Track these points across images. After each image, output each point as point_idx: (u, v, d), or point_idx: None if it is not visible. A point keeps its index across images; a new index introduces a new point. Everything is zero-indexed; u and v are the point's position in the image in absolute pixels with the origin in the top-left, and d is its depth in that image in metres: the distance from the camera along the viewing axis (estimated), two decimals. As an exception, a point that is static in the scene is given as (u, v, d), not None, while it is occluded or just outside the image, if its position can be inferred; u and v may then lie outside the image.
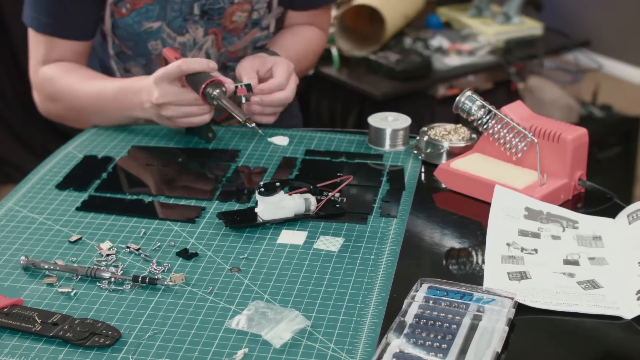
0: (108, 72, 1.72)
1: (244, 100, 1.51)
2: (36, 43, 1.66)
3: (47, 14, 1.61)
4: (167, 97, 1.48)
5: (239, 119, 1.44)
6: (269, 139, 1.57)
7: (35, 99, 1.70)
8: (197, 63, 1.47)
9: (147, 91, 1.51)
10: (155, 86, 1.49)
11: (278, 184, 1.30)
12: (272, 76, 1.54)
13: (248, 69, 1.55)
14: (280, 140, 1.57)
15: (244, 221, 1.30)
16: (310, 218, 1.31)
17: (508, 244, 1.24)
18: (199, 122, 1.52)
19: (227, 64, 1.70)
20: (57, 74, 1.63)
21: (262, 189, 1.29)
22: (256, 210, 1.31)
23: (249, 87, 1.50)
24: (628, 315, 1.09)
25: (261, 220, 1.29)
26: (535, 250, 1.23)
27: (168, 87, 1.48)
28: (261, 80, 1.54)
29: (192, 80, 1.47)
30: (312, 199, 1.32)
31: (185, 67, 1.47)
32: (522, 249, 1.23)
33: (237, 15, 1.64)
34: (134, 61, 1.68)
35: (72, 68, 1.64)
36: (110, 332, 1.06)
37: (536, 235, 1.26)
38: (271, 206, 1.29)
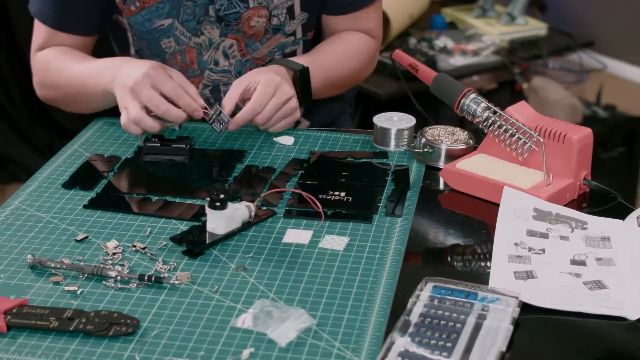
0: None
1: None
2: (39, 30, 1.67)
3: (52, 7, 1.62)
4: (153, 79, 1.44)
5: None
6: (275, 139, 1.58)
7: (34, 83, 1.71)
8: (185, 101, 1.45)
9: (134, 66, 1.48)
10: (151, 67, 1.46)
11: (222, 196, 1.23)
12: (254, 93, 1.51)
13: (233, 86, 1.52)
14: (286, 140, 1.57)
15: (199, 243, 1.25)
16: (250, 225, 1.29)
17: (516, 244, 1.24)
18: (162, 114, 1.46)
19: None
20: (51, 57, 1.65)
21: (217, 203, 1.23)
22: (208, 228, 1.26)
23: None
24: (633, 316, 1.10)
25: (217, 235, 1.25)
26: (543, 250, 1.23)
27: (162, 73, 1.45)
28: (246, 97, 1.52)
29: None
30: (251, 206, 1.30)
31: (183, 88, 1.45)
32: (530, 249, 1.23)
33: (254, 21, 1.62)
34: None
35: (65, 51, 1.64)
36: (129, 321, 1.07)
37: (544, 236, 1.26)
38: (223, 219, 1.25)
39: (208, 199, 1.24)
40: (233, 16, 1.62)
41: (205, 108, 1.47)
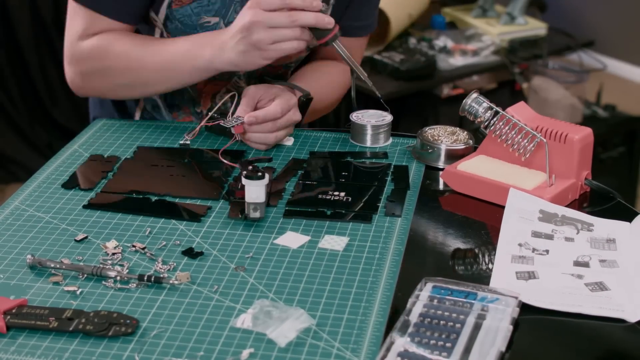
0: None
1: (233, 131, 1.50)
2: (75, 15, 1.57)
3: None
4: (259, 17, 1.41)
5: (361, 75, 1.53)
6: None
7: (70, 74, 1.61)
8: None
9: (230, 29, 1.45)
10: (248, 10, 1.42)
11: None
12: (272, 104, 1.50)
13: (250, 96, 1.51)
14: (285, 140, 1.57)
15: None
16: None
17: (520, 244, 1.24)
18: (290, 49, 1.44)
19: (264, 78, 1.66)
20: (109, 42, 1.55)
21: (259, 174, 1.29)
22: (249, 199, 1.30)
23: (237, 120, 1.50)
24: (632, 318, 1.10)
25: (262, 202, 1.30)
26: (547, 251, 1.23)
27: (261, 12, 1.42)
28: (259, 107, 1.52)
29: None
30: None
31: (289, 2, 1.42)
32: (534, 250, 1.23)
33: None
34: None
35: (122, 35, 1.56)
36: (128, 321, 1.07)
37: (549, 237, 1.26)
38: (262, 188, 1.29)
39: (244, 172, 1.29)
40: None
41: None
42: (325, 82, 1.70)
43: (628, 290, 1.15)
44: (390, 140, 1.57)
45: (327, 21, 1.45)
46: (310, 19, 1.43)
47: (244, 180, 1.29)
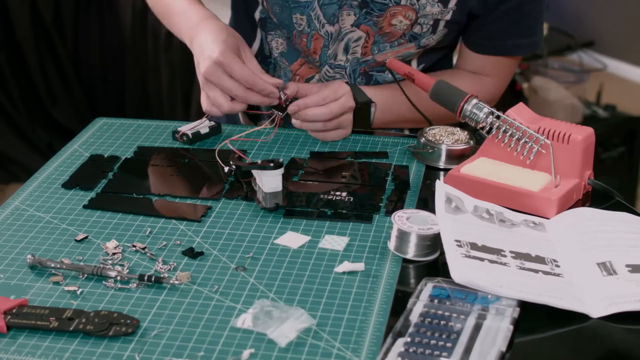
0: (251, 36, 1.70)
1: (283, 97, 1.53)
2: None
3: None
4: (213, 77, 1.46)
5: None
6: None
7: None
8: (260, 87, 1.47)
9: (207, 42, 1.49)
10: (209, 60, 1.46)
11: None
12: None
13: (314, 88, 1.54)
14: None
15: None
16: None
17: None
18: (219, 110, 1.50)
19: (369, 73, 1.64)
20: None
21: (278, 164, 1.35)
22: (267, 190, 1.35)
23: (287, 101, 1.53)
24: (594, 314, 1.10)
25: (279, 191, 1.36)
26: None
27: (219, 73, 1.46)
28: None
29: None
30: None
31: (252, 81, 1.46)
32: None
33: (397, 20, 1.53)
34: (278, 30, 1.64)
35: None
36: (129, 321, 1.07)
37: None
38: (280, 177, 1.36)
39: (259, 162, 1.36)
40: (379, 5, 1.52)
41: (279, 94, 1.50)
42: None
43: (576, 282, 1.15)
44: (438, 253, 1.23)
45: (273, 98, 1.48)
46: (257, 100, 1.48)
47: (261, 172, 1.35)
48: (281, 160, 1.36)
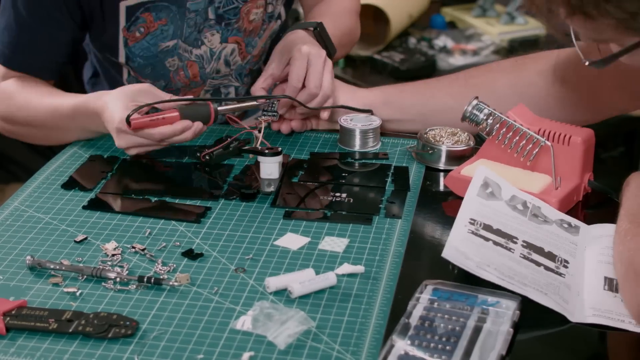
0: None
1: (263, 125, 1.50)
2: None
3: (9, 45, 1.57)
4: (122, 143, 1.43)
5: (254, 106, 1.51)
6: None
7: None
8: (159, 134, 1.41)
9: (108, 117, 1.43)
10: (116, 132, 1.42)
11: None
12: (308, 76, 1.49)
13: (274, 57, 1.52)
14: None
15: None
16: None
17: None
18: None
19: (252, 69, 1.69)
20: (14, 90, 1.58)
21: (275, 151, 1.39)
22: (264, 175, 1.39)
23: (273, 107, 1.51)
24: (572, 317, 1.09)
25: (275, 179, 1.40)
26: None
27: (129, 136, 1.42)
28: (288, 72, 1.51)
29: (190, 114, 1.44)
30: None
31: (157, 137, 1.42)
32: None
33: (253, 13, 1.62)
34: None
35: (31, 84, 1.59)
36: (128, 323, 1.07)
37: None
38: (277, 164, 1.40)
39: (260, 147, 1.41)
40: (232, 12, 1.61)
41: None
42: (332, 12, 1.71)
43: (575, 286, 1.15)
44: (380, 144, 1.57)
45: (197, 131, 1.42)
46: (178, 140, 1.42)
47: (259, 158, 1.39)
48: (280, 149, 1.39)
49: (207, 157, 1.45)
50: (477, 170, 1.30)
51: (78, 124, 1.53)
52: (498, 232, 1.21)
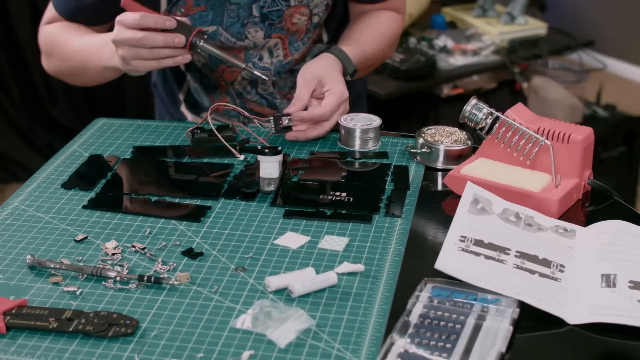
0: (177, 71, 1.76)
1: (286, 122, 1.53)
2: (50, 6, 1.70)
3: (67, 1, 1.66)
4: (118, 35, 1.48)
5: (237, 66, 1.51)
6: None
7: (41, 56, 1.74)
8: (153, 19, 1.46)
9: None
10: (115, 25, 1.49)
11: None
12: (322, 103, 1.53)
13: (302, 85, 1.54)
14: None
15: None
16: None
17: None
18: (152, 67, 1.51)
19: (293, 69, 1.70)
20: (56, 30, 1.68)
21: (275, 150, 1.41)
22: (263, 175, 1.41)
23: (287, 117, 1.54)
24: (571, 320, 1.09)
25: (275, 178, 1.42)
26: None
27: (122, 30, 1.47)
28: (313, 97, 1.55)
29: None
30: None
31: (143, 21, 1.46)
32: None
33: (296, 18, 1.63)
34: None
35: (70, 26, 1.67)
36: (128, 322, 1.07)
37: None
38: (277, 164, 1.42)
39: (260, 147, 1.43)
40: (276, 13, 1.62)
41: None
42: (376, 35, 1.72)
43: (572, 288, 1.15)
44: (380, 143, 1.57)
45: (177, 41, 1.47)
46: (159, 41, 1.47)
47: (259, 157, 1.41)
48: (280, 148, 1.40)
49: (190, 134, 1.55)
50: (466, 186, 1.31)
51: (99, 58, 1.59)
52: (489, 246, 1.20)
